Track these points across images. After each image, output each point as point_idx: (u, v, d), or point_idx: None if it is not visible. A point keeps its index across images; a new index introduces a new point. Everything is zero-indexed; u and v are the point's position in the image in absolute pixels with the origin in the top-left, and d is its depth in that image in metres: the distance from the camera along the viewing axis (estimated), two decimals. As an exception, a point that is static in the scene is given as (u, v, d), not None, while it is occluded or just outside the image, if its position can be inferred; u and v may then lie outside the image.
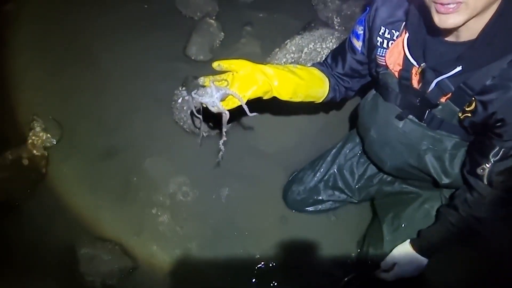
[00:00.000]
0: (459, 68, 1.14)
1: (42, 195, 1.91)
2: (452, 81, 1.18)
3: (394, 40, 1.29)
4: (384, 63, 1.35)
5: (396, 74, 1.33)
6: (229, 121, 1.25)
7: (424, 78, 1.23)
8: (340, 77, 1.56)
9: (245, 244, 1.81)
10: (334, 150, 1.83)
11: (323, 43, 2.21)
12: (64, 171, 1.98)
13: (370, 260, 1.61)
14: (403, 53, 1.26)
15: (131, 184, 1.93)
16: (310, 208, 1.87)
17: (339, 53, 1.54)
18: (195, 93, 1.21)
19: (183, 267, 1.75)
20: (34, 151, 1.96)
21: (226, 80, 1.23)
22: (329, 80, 1.53)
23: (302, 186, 1.84)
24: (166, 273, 1.72)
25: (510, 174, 1.20)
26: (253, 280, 1.73)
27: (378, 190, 1.75)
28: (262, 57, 2.35)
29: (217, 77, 1.24)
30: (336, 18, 2.40)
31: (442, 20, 1.01)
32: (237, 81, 1.23)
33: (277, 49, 2.26)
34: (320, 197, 1.84)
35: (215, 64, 1.22)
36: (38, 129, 2.03)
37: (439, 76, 1.19)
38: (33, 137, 2.01)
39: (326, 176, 1.82)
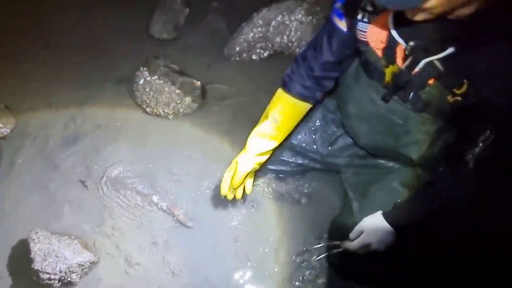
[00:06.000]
0: (451, 50, 1.04)
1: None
2: (442, 63, 1.09)
3: (377, 14, 1.18)
4: (365, 39, 1.24)
5: (379, 52, 1.22)
6: None
7: (411, 58, 1.14)
8: (327, 68, 1.41)
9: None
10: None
11: (291, 15, 2.10)
12: (19, 164, 1.85)
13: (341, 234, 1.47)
14: (387, 29, 1.15)
15: (93, 173, 1.81)
16: (272, 167, 1.70)
17: (322, 42, 1.37)
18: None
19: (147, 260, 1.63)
20: (-17, 143, 1.83)
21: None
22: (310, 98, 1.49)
23: None
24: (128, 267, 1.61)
25: (497, 162, 1.12)
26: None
27: (348, 162, 1.63)
28: (228, 33, 2.23)
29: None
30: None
31: None
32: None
33: (244, 24, 2.14)
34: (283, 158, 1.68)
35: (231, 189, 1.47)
36: (-13, 118, 1.89)
37: (428, 57, 1.09)
38: (-18, 128, 1.88)
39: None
